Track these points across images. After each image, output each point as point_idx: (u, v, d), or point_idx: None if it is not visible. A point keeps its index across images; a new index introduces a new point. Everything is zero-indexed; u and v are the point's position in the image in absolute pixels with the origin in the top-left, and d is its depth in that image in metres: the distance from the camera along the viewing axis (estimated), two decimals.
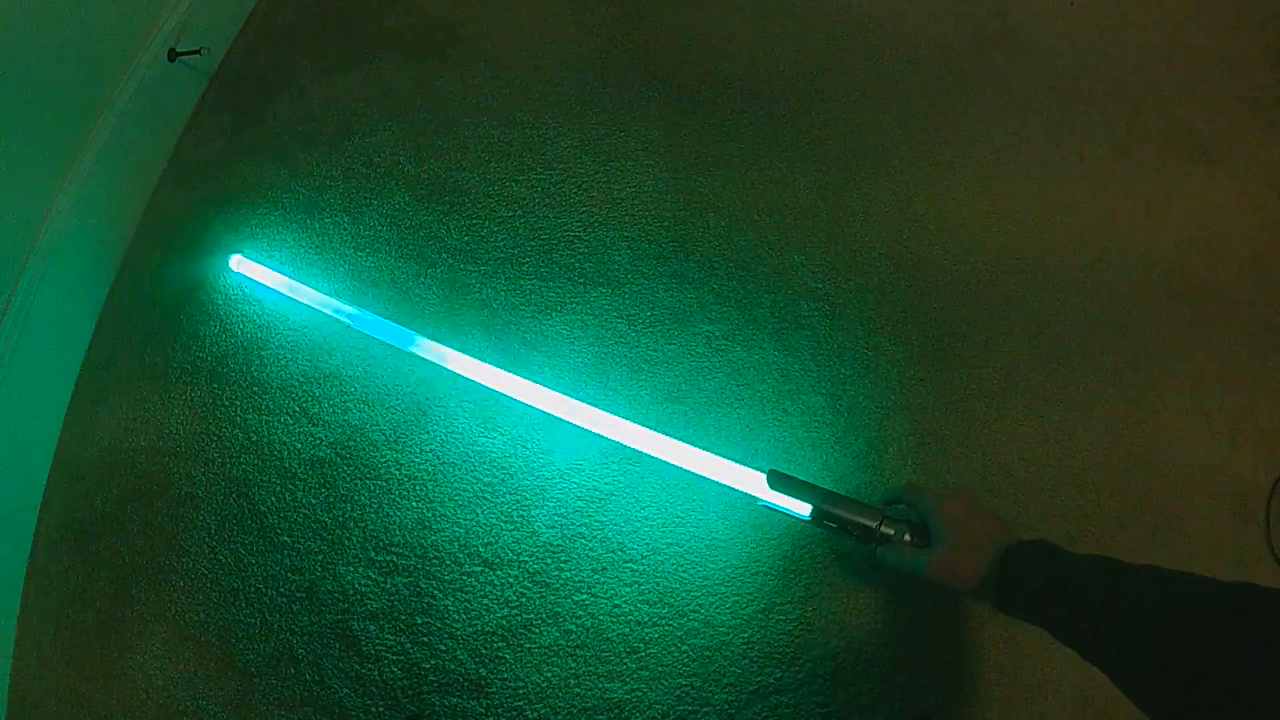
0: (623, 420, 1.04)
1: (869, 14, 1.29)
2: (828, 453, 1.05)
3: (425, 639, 1.04)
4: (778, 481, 0.91)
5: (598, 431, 1.04)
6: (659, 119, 1.27)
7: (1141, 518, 0.99)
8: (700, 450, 1.00)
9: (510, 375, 1.09)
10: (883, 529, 0.84)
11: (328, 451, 1.14)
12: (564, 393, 1.07)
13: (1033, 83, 1.21)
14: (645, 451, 1.02)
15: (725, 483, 0.98)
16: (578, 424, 1.06)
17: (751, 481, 0.97)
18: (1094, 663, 0.58)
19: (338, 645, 1.05)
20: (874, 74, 1.25)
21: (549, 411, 1.07)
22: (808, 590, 1.00)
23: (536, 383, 1.08)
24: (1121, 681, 0.54)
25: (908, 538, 0.84)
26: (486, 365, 1.10)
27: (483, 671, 1.02)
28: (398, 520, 1.09)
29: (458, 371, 1.11)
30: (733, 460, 0.98)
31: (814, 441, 1.06)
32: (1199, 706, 0.46)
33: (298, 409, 1.17)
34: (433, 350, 1.12)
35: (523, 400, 1.08)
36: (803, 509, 0.89)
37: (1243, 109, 1.16)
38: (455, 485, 1.10)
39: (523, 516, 1.07)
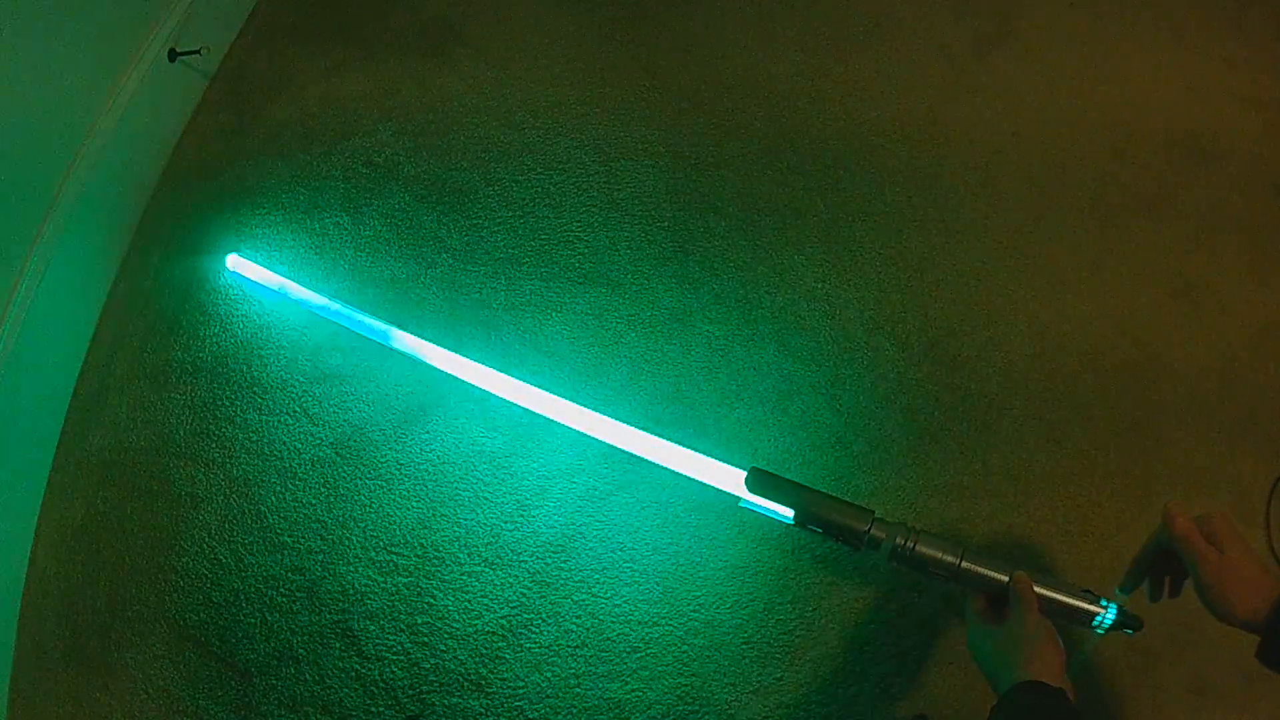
0: (596, 414, 1.02)
1: (870, 14, 1.29)
2: (828, 453, 1.05)
3: (426, 638, 1.04)
4: (759, 482, 0.83)
5: (575, 427, 1.03)
6: (659, 119, 1.27)
7: (1141, 518, 0.99)
8: (679, 446, 0.96)
9: (490, 370, 1.08)
10: (873, 532, 0.79)
11: (328, 451, 1.14)
12: (561, 392, 1.06)
13: (1033, 83, 1.21)
14: (624, 448, 1.00)
15: (706, 481, 0.94)
16: (553, 418, 1.04)
17: (732, 480, 0.90)
18: None
19: (338, 645, 1.05)
20: (874, 74, 1.25)
21: (517, 402, 1.06)
22: (807, 590, 1.00)
23: (524, 380, 1.06)
24: None
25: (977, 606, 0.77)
26: (474, 363, 1.09)
27: (483, 671, 1.02)
28: (398, 520, 1.09)
29: (448, 371, 1.10)
30: (721, 457, 0.93)
31: (814, 442, 1.06)
32: None
33: (298, 409, 1.17)
34: (422, 350, 1.12)
35: (499, 394, 1.07)
36: (787, 511, 0.82)
37: (1243, 109, 1.16)
38: (455, 485, 1.10)
39: (523, 516, 1.07)
